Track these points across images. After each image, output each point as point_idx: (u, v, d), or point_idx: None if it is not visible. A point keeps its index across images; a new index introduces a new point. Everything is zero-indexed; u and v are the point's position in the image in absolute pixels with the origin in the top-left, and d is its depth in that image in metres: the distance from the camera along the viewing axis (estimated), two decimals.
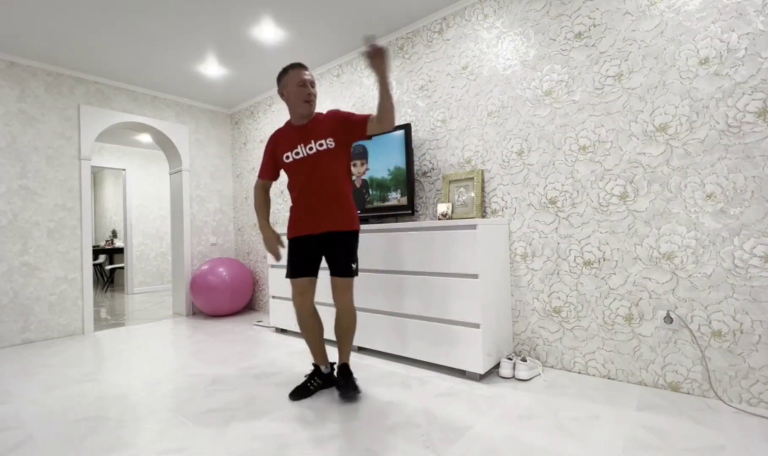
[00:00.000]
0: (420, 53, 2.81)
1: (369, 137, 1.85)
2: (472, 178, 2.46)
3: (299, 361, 2.45)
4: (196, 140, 4.30)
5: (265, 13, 2.64)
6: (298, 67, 1.85)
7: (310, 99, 1.84)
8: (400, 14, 2.71)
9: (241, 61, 3.33)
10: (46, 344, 3.06)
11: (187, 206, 4.18)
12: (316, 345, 1.97)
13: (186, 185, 4.18)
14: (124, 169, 6.08)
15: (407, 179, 2.65)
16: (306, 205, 1.87)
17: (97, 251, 6.89)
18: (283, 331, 3.23)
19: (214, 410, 1.80)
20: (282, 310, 3.15)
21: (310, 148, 1.84)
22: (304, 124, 1.89)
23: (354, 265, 1.89)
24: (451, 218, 2.38)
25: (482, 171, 2.44)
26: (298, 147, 1.86)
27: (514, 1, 2.35)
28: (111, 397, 1.98)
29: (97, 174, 7.91)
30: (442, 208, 2.40)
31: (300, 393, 1.90)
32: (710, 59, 1.75)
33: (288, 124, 1.95)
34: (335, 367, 2.07)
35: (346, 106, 3.30)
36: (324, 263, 2.72)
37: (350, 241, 1.88)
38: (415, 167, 2.81)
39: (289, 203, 3.82)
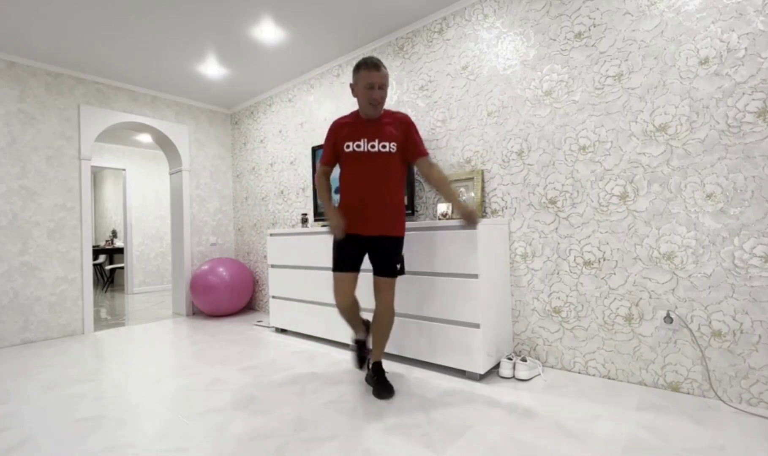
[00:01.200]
0: (420, 53, 2.81)
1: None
2: (472, 178, 2.46)
3: (299, 361, 2.45)
4: (196, 140, 4.30)
5: (265, 13, 2.64)
6: (370, 67, 1.81)
7: (375, 103, 1.84)
8: (400, 14, 2.71)
9: (241, 61, 3.33)
10: (46, 344, 3.06)
11: (187, 206, 4.18)
12: (357, 321, 2.04)
13: (186, 185, 4.18)
14: (124, 169, 6.08)
15: (407, 179, 2.65)
16: (359, 203, 1.88)
17: (97, 251, 6.88)
18: (283, 331, 3.23)
19: (214, 410, 1.80)
20: (282, 310, 3.15)
21: (372, 146, 1.85)
22: (372, 120, 1.91)
23: (399, 265, 1.93)
24: (451, 218, 2.38)
25: (482, 171, 2.44)
26: (361, 140, 1.87)
27: (514, 1, 2.35)
28: (111, 397, 1.98)
29: (97, 174, 7.91)
30: (442, 208, 2.39)
31: (362, 362, 2.07)
32: (710, 59, 1.75)
33: (356, 114, 1.95)
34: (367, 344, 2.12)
35: (346, 105, 3.30)
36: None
37: (397, 245, 1.93)
38: (415, 167, 2.80)
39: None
